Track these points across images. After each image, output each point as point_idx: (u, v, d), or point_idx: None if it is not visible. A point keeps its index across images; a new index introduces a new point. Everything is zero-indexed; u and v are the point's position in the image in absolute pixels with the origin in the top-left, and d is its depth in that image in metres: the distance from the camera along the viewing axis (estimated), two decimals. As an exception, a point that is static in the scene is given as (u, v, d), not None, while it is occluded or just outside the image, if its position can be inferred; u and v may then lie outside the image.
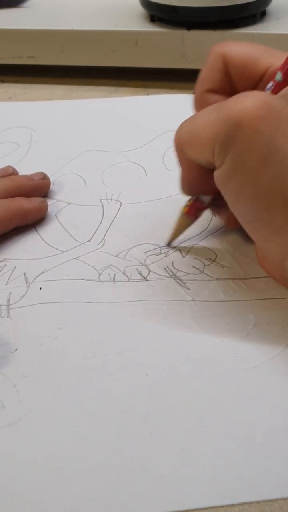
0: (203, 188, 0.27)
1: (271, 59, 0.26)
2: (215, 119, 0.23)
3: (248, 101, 0.22)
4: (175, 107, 0.42)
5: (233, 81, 0.27)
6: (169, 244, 0.30)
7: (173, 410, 0.22)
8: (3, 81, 0.50)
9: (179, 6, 0.44)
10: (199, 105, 0.28)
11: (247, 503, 0.19)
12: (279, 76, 0.24)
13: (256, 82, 0.27)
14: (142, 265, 0.29)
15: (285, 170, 0.22)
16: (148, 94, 0.48)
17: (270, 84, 0.25)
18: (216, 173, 0.24)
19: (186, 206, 0.29)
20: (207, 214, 0.31)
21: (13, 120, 0.43)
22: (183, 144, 0.25)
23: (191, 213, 0.29)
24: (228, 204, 0.25)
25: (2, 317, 0.26)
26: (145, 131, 0.40)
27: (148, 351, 0.25)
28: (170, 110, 0.42)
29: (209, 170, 0.25)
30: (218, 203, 0.28)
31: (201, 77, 0.28)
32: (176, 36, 0.45)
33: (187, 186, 0.28)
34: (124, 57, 0.47)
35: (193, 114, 0.26)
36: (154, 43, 0.46)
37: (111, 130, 0.40)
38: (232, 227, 0.29)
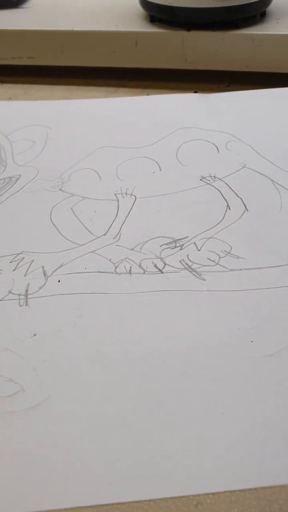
0: None
1: None
2: None
3: None
4: (187, 106, 0.43)
5: None
6: None
7: (190, 397, 0.23)
8: (3, 82, 0.50)
9: (179, 7, 0.44)
10: None
11: (247, 503, 0.20)
12: None
13: None
14: (158, 258, 0.29)
15: None
16: (147, 95, 0.48)
17: None
18: None
19: None
20: (222, 207, 0.32)
21: (29, 119, 0.43)
22: None
23: None
24: None
25: (20, 306, 0.27)
26: (158, 129, 0.40)
27: (165, 339, 0.25)
28: (182, 109, 0.43)
29: None
30: None
31: None
32: (176, 36, 0.45)
33: None
34: (124, 58, 0.48)
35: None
36: (154, 43, 0.46)
37: (125, 128, 0.41)
38: None
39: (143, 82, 0.50)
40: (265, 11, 0.46)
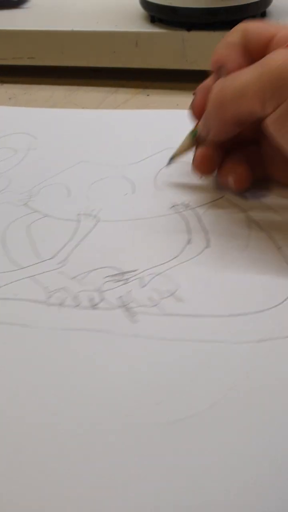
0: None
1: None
2: (260, 72, 0.26)
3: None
4: (175, 124, 0.38)
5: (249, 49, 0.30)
6: (171, 160, 0.34)
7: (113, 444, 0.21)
8: (3, 82, 0.50)
9: (179, 7, 0.42)
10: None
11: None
12: None
13: (267, 44, 0.29)
14: (97, 291, 0.28)
15: None
16: (148, 95, 0.47)
17: None
18: (268, 121, 0.27)
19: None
20: (183, 240, 0.30)
21: (15, 126, 0.42)
22: (226, 101, 0.28)
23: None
24: (283, 147, 0.27)
25: None
26: (144, 147, 0.38)
27: (79, 381, 0.23)
28: (170, 127, 0.39)
29: (242, 124, 0.29)
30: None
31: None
32: (176, 37, 0.43)
33: (218, 139, 0.31)
34: (124, 58, 0.46)
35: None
36: (154, 44, 0.45)
37: (110, 144, 0.39)
38: (243, 186, 0.32)
39: (143, 82, 0.48)
40: (265, 11, 0.42)
